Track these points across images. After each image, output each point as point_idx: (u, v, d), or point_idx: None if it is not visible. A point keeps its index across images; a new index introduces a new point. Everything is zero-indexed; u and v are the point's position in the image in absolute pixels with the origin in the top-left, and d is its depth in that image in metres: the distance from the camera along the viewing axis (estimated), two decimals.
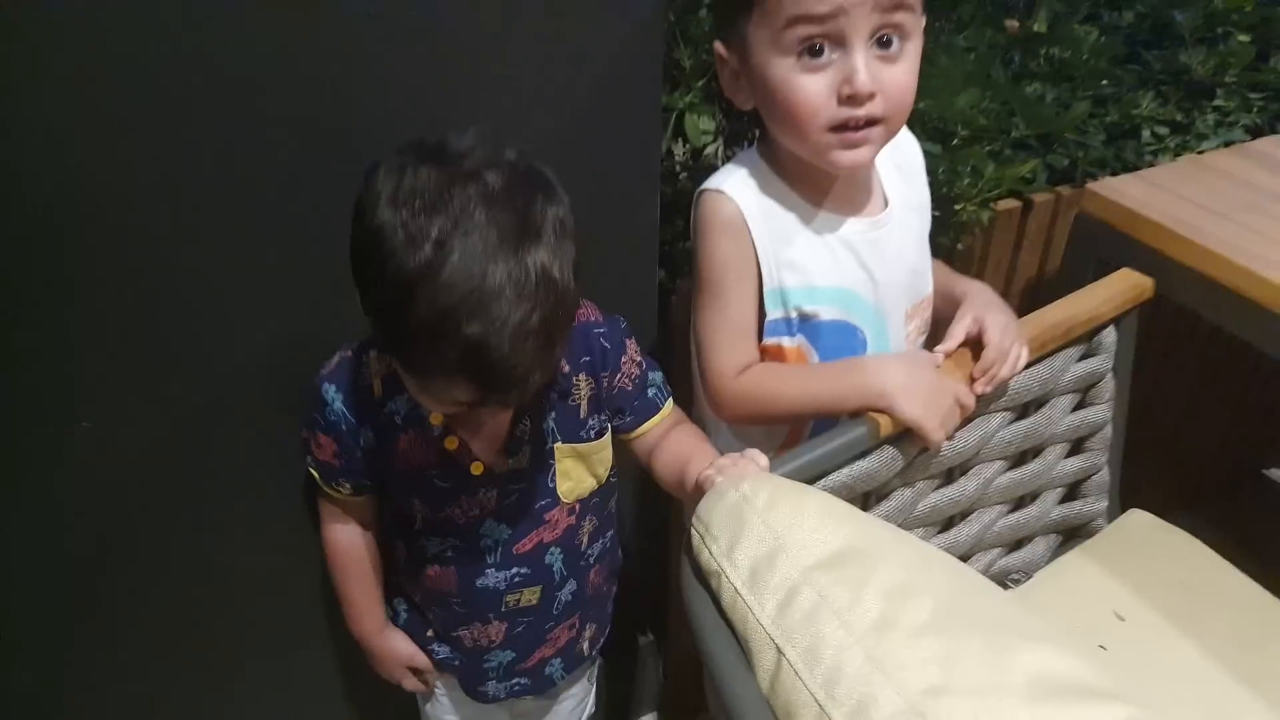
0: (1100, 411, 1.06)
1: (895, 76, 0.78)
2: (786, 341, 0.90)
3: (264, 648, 1.01)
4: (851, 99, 0.77)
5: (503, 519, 0.86)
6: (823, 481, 0.83)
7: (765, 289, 0.88)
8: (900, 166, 0.94)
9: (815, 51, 0.77)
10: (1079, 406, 1.05)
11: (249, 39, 0.72)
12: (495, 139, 0.69)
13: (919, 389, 0.85)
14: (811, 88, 0.78)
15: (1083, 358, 1.02)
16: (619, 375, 0.87)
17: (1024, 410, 0.99)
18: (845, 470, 0.85)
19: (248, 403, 0.86)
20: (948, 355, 0.89)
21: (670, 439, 0.90)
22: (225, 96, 0.73)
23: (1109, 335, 1.03)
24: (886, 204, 0.91)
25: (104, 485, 0.84)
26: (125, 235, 0.75)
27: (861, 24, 0.75)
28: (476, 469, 0.83)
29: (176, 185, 0.75)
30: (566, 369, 0.84)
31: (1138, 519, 1.11)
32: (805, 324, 0.89)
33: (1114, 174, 1.25)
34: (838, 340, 0.90)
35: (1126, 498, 1.13)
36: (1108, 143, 1.27)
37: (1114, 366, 1.05)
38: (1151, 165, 1.27)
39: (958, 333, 0.89)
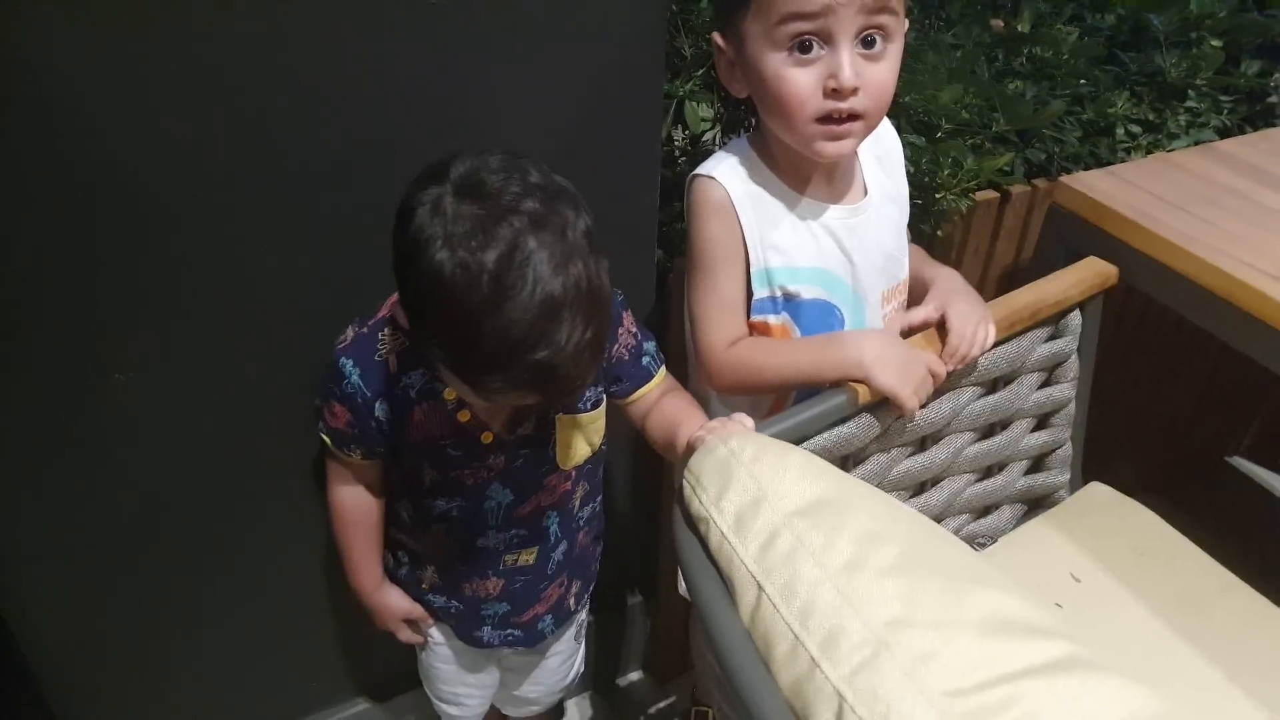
0: (1065, 389, 1.14)
1: (877, 74, 0.85)
2: (772, 319, 0.97)
3: (267, 597, 1.08)
4: (836, 93, 0.84)
5: (508, 483, 0.92)
6: (804, 445, 0.90)
7: (752, 269, 0.95)
8: (881, 158, 1.01)
9: (805, 47, 0.84)
10: (1045, 384, 1.13)
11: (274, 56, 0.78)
12: (514, 158, 0.73)
13: (893, 360, 0.92)
14: (800, 80, 0.85)
15: (1049, 339, 1.10)
16: (616, 346, 0.94)
17: (993, 385, 1.07)
18: (826, 435, 0.92)
19: (268, 372, 0.93)
20: (909, 329, 0.97)
21: (663, 404, 0.97)
22: (255, 105, 0.79)
23: (1074, 319, 1.10)
24: (866, 193, 0.98)
25: (137, 440, 0.91)
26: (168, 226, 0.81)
27: (848, 24, 0.82)
28: (487, 438, 0.89)
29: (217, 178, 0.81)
30: None
31: (1097, 491, 1.19)
32: (789, 302, 0.96)
33: (1088, 169, 1.32)
34: (818, 318, 0.97)
35: (1093, 478, 1.21)
36: (1083, 139, 1.35)
37: (1078, 348, 1.12)
38: (1124, 161, 1.35)
39: (917, 315, 0.97)
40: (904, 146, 1.05)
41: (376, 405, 0.86)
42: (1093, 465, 1.21)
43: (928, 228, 1.20)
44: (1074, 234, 1.18)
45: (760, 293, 0.96)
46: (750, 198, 0.93)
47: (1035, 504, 1.20)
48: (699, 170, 0.95)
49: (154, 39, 0.73)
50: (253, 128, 0.80)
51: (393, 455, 0.91)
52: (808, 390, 0.94)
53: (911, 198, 1.06)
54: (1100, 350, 1.14)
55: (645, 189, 1.06)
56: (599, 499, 1.05)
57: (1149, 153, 1.37)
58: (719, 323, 0.96)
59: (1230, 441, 1.92)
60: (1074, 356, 1.12)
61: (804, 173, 0.95)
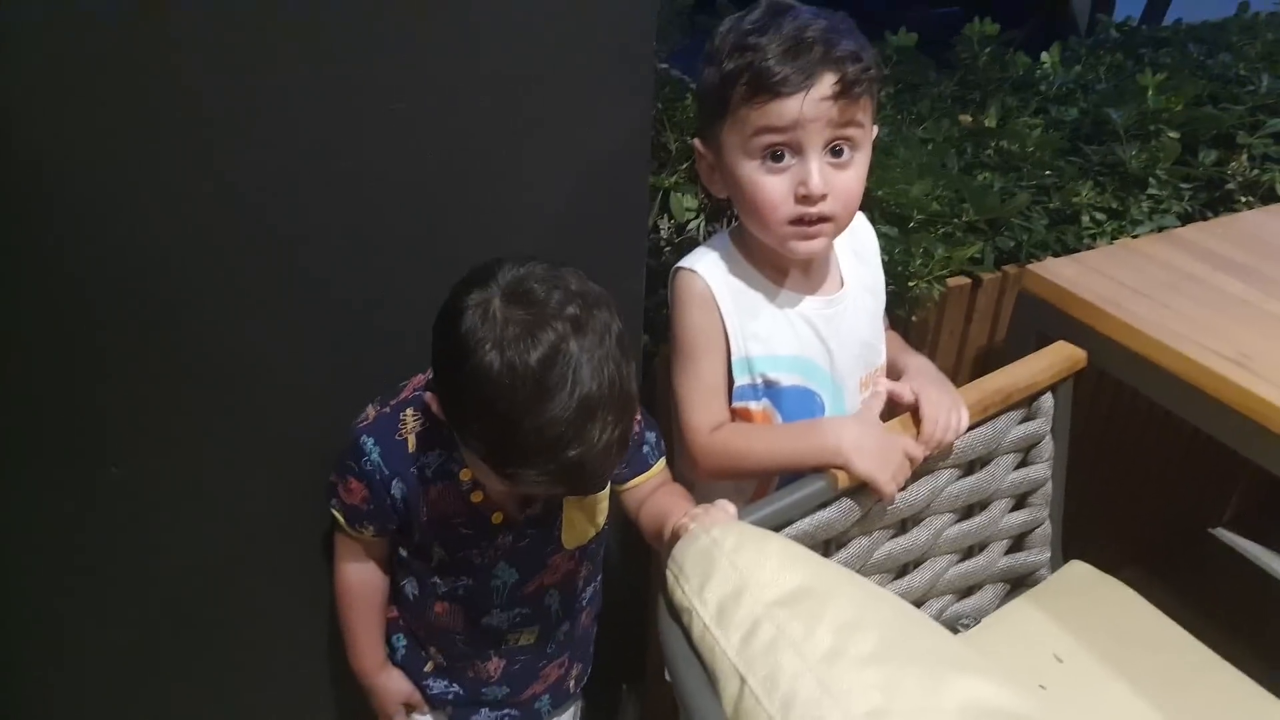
0: (1041, 469, 1.17)
1: (844, 181, 0.91)
2: (754, 405, 1.00)
3: (263, 662, 1.08)
4: (806, 199, 0.90)
5: (514, 563, 0.94)
6: (786, 530, 0.93)
7: (733, 358, 0.99)
8: (857, 251, 1.06)
9: (777, 156, 0.90)
10: (1021, 465, 1.16)
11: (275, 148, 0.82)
12: (553, 267, 0.78)
13: (871, 446, 0.95)
14: (772, 187, 0.91)
15: (1023, 420, 1.13)
16: None
17: (970, 467, 1.09)
18: (807, 520, 0.94)
19: (273, 449, 0.95)
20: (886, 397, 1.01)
21: (658, 495, 0.99)
22: (253, 198, 0.82)
23: (1046, 401, 1.14)
24: (843, 284, 1.03)
25: (133, 531, 0.92)
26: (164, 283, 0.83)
27: (816, 136, 0.88)
28: (497, 518, 0.91)
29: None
30: None
31: (1078, 570, 1.21)
32: (770, 389, 1.00)
33: (1056, 255, 1.38)
34: (799, 404, 1.01)
35: (1077, 554, 1.23)
36: (1050, 227, 1.41)
37: (1052, 429, 1.16)
38: (1090, 248, 1.40)
39: (895, 386, 1.02)
40: (879, 238, 1.11)
41: (394, 483, 0.88)
42: (1075, 542, 1.23)
43: (903, 313, 1.25)
44: (1043, 319, 1.23)
45: (741, 380, 1.00)
46: (731, 290, 0.98)
47: (1017, 583, 1.22)
48: (682, 263, 1.00)
49: (154, 128, 0.76)
50: (253, 221, 0.84)
51: (402, 533, 0.93)
52: (791, 474, 0.97)
53: (887, 285, 1.11)
54: (1075, 429, 1.18)
55: (631, 277, 1.11)
56: (599, 579, 1.07)
57: (1114, 238, 1.43)
58: (702, 408, 0.99)
59: (1212, 513, 1.94)
60: (1048, 437, 1.16)
61: (781, 266, 0.99)
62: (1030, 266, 1.26)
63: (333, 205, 0.86)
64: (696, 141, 0.97)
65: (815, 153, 0.89)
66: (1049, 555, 1.21)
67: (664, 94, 1.49)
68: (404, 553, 0.96)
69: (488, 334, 0.73)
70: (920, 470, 1.01)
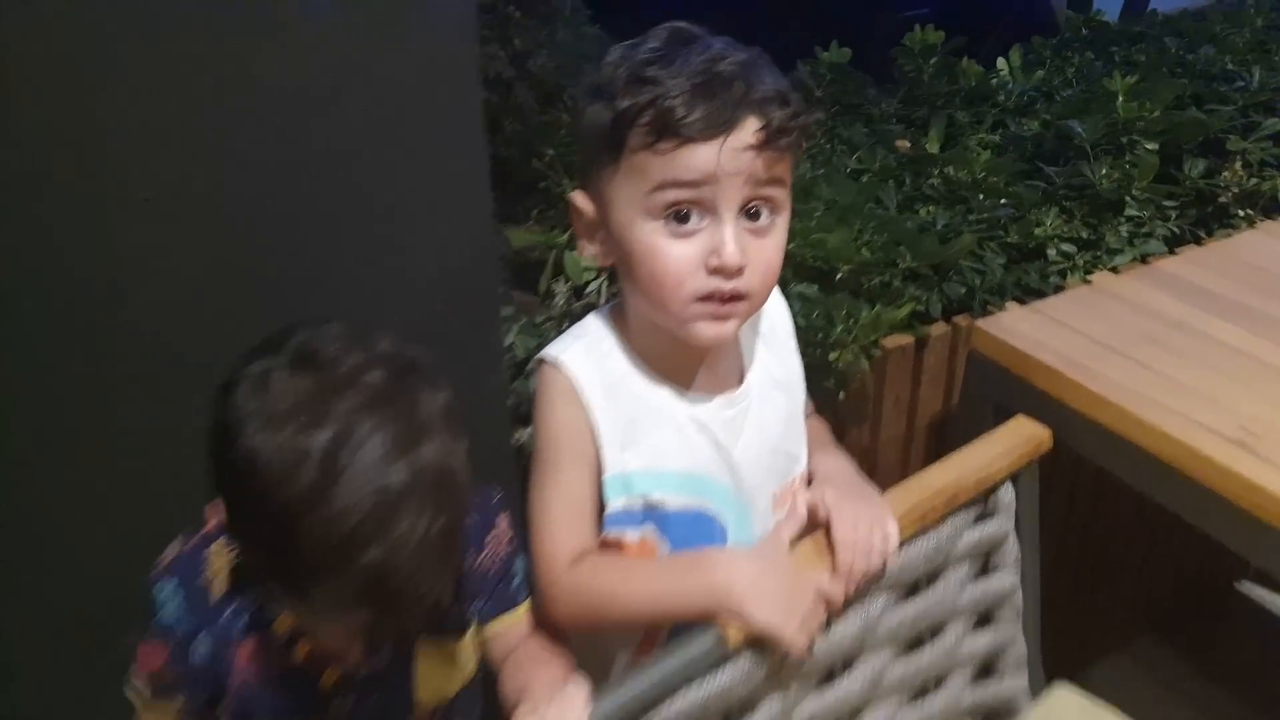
0: (1005, 577, 0.95)
1: (764, 253, 0.73)
2: (631, 534, 0.79)
3: None
4: (720, 270, 0.71)
5: None
6: (671, 702, 0.72)
7: (605, 474, 0.78)
8: (764, 335, 0.85)
9: (682, 217, 0.71)
10: (980, 574, 0.94)
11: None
12: (362, 328, 0.64)
13: (770, 587, 0.74)
14: (677, 255, 0.71)
15: (978, 519, 0.92)
16: (483, 554, 0.78)
17: (912, 588, 0.88)
18: (695, 688, 0.73)
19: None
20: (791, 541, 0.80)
21: (518, 656, 0.79)
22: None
23: (1006, 493, 0.93)
24: (742, 379, 0.82)
25: None
26: None
27: (733, 194, 0.70)
28: (329, 679, 0.72)
29: None
30: None
31: (1064, 699, 0.98)
32: (653, 513, 0.79)
33: (1017, 300, 1.16)
34: (692, 531, 0.80)
35: (1047, 657, 1.01)
36: (1009, 266, 1.19)
37: (1016, 525, 0.94)
38: (1060, 288, 1.19)
39: (799, 512, 0.80)
40: (792, 300, 0.90)
41: (197, 642, 0.71)
42: (1075, 618, 1.00)
43: (830, 387, 1.04)
44: (998, 386, 1.02)
45: (615, 503, 0.79)
46: (604, 386, 0.78)
47: (991, 719, 1.00)
48: (545, 353, 0.80)
49: None
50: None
51: (210, 707, 0.74)
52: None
53: (805, 356, 0.90)
54: (1049, 512, 0.96)
55: (488, 370, 0.92)
56: None
57: (1089, 272, 1.22)
58: (562, 530, 0.78)
59: (1237, 564, 1.71)
60: (1011, 537, 0.94)
61: (671, 357, 0.79)
62: (980, 322, 1.04)
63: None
64: (576, 195, 0.77)
65: (731, 215, 0.70)
66: (1026, 680, 0.99)
67: (560, 136, 1.32)
68: None
69: (255, 409, 0.59)
70: (848, 601, 0.80)
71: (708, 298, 0.72)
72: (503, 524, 0.79)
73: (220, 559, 0.72)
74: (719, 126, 0.68)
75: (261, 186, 0.76)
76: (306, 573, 0.60)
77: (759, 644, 0.75)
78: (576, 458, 0.78)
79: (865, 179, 1.23)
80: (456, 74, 0.81)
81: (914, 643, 0.90)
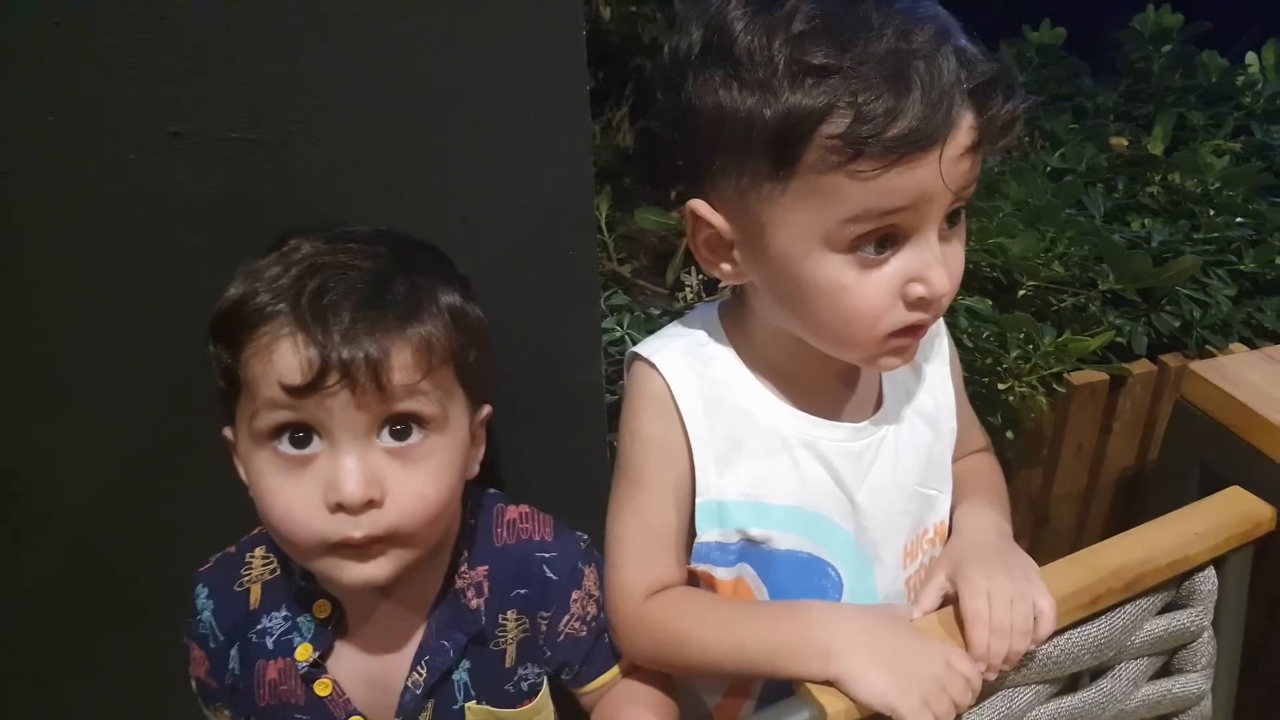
0: (1193, 682, 0.77)
1: (958, 260, 0.60)
2: (722, 573, 0.68)
3: None
4: (922, 302, 0.58)
5: None
6: None
7: (698, 498, 0.67)
8: (916, 358, 0.70)
9: (883, 243, 0.57)
10: (1160, 674, 0.77)
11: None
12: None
13: (884, 651, 0.61)
14: (874, 291, 0.58)
15: (1167, 608, 0.75)
16: (566, 617, 0.68)
17: (1072, 682, 0.72)
18: None
19: None
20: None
21: (606, 702, 0.70)
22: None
23: (1206, 580, 0.75)
24: (880, 405, 0.69)
25: None
26: None
27: (939, 210, 0.56)
28: None
29: None
30: (478, 603, 0.66)
31: None
32: (752, 552, 0.67)
33: (1247, 343, 0.96)
34: (800, 578, 0.68)
35: None
36: (1239, 300, 0.99)
37: (1214, 621, 0.76)
38: None
39: (926, 599, 0.65)
40: (959, 316, 0.76)
41: (231, 653, 0.66)
42: None
43: (996, 424, 0.88)
44: (1209, 445, 0.83)
45: (708, 534, 0.67)
46: (704, 400, 0.66)
47: None
48: (640, 348, 0.68)
49: None
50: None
51: None
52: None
53: (970, 385, 0.76)
54: (1257, 612, 0.77)
55: (584, 363, 0.82)
56: None
57: None
58: (640, 558, 0.67)
59: None
60: (1207, 634, 0.76)
61: (794, 372, 0.66)
62: (1195, 365, 0.85)
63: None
64: (698, 205, 0.61)
65: (934, 233, 0.57)
66: None
67: None
68: None
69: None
70: (987, 688, 0.65)
71: (905, 332, 0.59)
72: (589, 581, 0.69)
73: (260, 565, 0.66)
74: (936, 134, 0.52)
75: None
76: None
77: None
78: (664, 477, 0.66)
79: (1067, 179, 1.05)
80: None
81: None
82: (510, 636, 0.67)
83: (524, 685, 0.68)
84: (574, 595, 0.68)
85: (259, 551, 0.66)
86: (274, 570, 0.65)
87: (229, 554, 0.67)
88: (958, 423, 0.73)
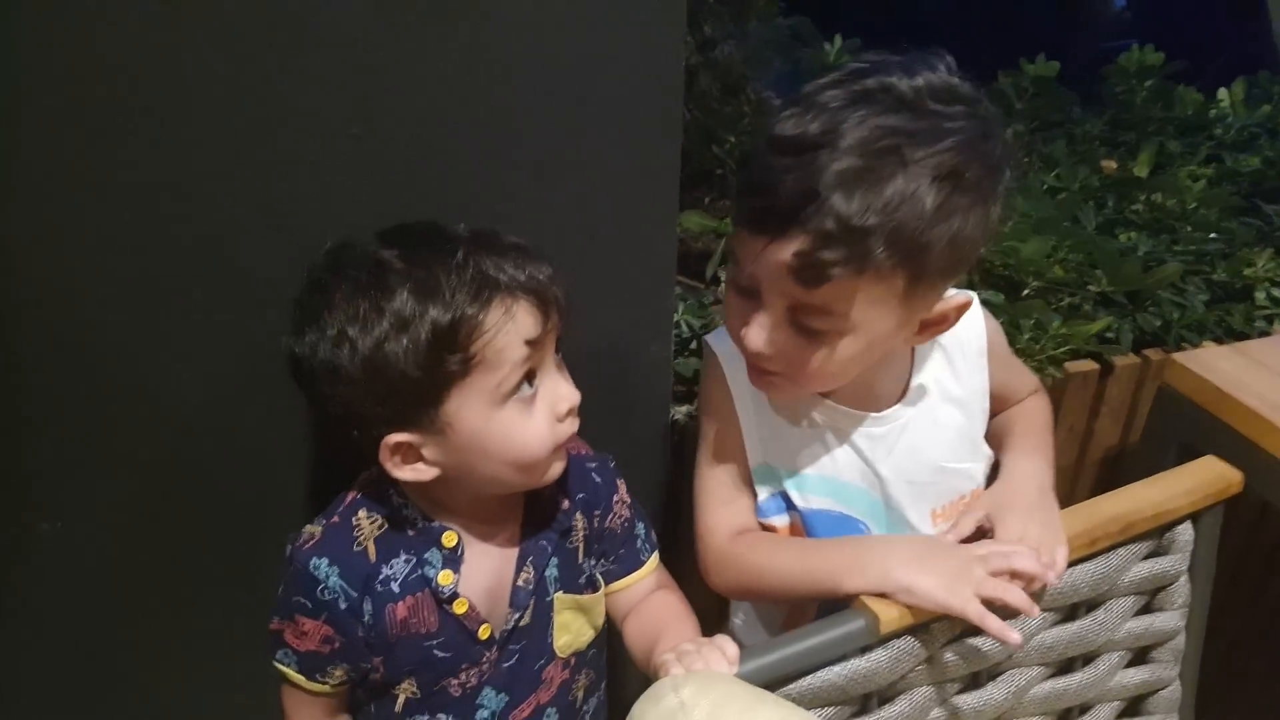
0: (1170, 619, 0.91)
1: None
2: (777, 520, 0.81)
3: None
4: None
5: (501, 685, 0.78)
6: (808, 680, 0.73)
7: (751, 463, 0.80)
8: (947, 348, 0.83)
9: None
10: (1144, 610, 0.90)
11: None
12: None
13: (933, 562, 0.73)
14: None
15: (1150, 555, 0.88)
16: (610, 515, 0.82)
17: (1071, 611, 0.86)
18: (837, 668, 0.74)
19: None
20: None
21: (649, 604, 0.82)
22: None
23: (1184, 532, 0.89)
24: (906, 393, 0.81)
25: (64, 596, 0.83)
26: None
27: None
28: (484, 632, 0.76)
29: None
30: (565, 504, 0.79)
31: None
32: (794, 508, 0.81)
33: (1218, 341, 1.11)
34: (835, 531, 0.81)
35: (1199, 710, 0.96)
36: (1212, 304, 1.14)
37: (1190, 568, 0.90)
38: (1266, 334, 1.13)
39: (964, 524, 0.78)
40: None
41: (364, 607, 0.73)
42: (1229, 679, 0.95)
43: None
44: (1188, 424, 0.97)
45: (762, 492, 0.81)
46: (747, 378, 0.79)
47: None
48: (709, 336, 0.84)
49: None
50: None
51: (368, 672, 0.77)
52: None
53: None
54: (1226, 561, 0.91)
55: (657, 339, 0.94)
56: (604, 686, 0.90)
57: None
58: (724, 503, 0.81)
59: None
60: (1183, 579, 0.90)
61: None
62: (1177, 356, 1.00)
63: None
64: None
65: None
66: None
67: (742, 125, 1.33)
68: (360, 699, 0.80)
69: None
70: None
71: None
72: (622, 489, 0.82)
73: (367, 524, 0.74)
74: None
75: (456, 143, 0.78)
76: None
77: (921, 630, 0.75)
78: (732, 440, 0.80)
79: (1061, 197, 1.19)
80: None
81: (1064, 666, 0.88)
82: (579, 534, 0.80)
83: (590, 578, 0.81)
84: (615, 498, 0.82)
85: (362, 514, 0.74)
86: (381, 526, 0.74)
87: (331, 525, 0.74)
88: (1008, 375, 0.86)
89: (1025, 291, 1.05)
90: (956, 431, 0.83)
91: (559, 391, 0.72)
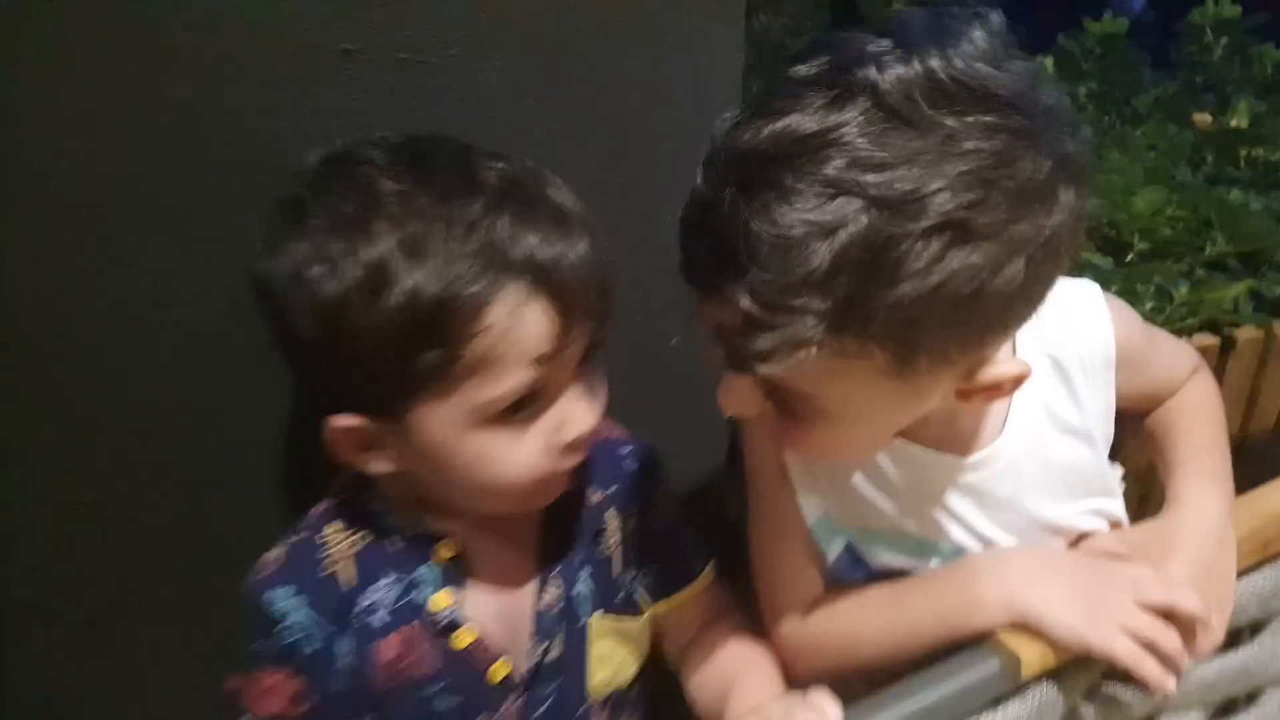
0: None
1: None
2: (854, 578, 0.64)
3: None
4: None
5: None
6: None
7: (809, 520, 0.62)
8: (1062, 363, 0.62)
9: None
10: None
11: None
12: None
13: (1071, 581, 0.56)
14: None
15: None
16: (651, 514, 0.65)
17: (1233, 638, 0.69)
18: None
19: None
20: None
21: (712, 641, 0.65)
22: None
23: None
24: (1004, 428, 0.61)
25: None
26: None
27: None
28: (500, 671, 0.59)
29: None
30: (596, 498, 0.62)
31: None
32: (869, 568, 0.63)
33: None
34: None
35: None
36: None
37: None
38: None
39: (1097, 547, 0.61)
40: (1087, 271, 0.71)
41: (339, 645, 0.57)
42: None
43: None
44: None
45: (831, 551, 0.63)
46: None
47: None
48: None
49: None
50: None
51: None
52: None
53: None
54: None
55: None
56: None
57: None
58: (788, 574, 0.63)
59: None
60: None
61: None
62: None
63: None
64: None
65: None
66: None
67: None
68: None
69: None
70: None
71: None
72: (665, 485, 0.67)
73: (340, 539, 0.58)
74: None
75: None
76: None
77: (1067, 673, 0.58)
78: (784, 497, 0.62)
79: (1154, 154, 1.03)
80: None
81: (1224, 708, 0.71)
82: (613, 538, 0.64)
83: (629, 596, 0.65)
84: (658, 491, 0.66)
85: (335, 527, 0.58)
86: (360, 541, 0.58)
87: (296, 543, 0.58)
88: (1152, 372, 0.66)
89: (1129, 256, 0.89)
90: (1079, 472, 0.64)
91: (569, 414, 0.54)
